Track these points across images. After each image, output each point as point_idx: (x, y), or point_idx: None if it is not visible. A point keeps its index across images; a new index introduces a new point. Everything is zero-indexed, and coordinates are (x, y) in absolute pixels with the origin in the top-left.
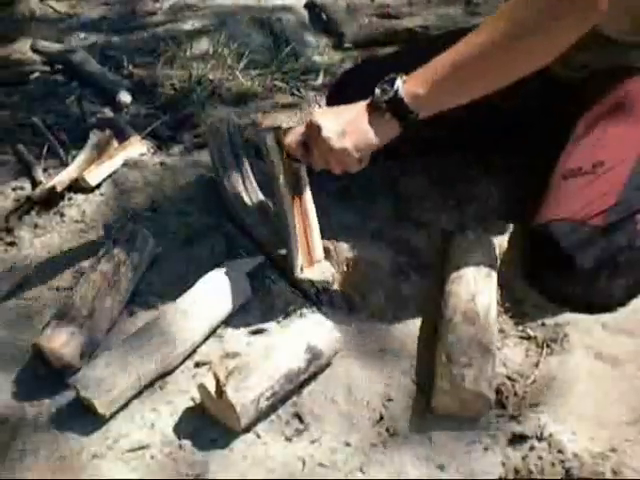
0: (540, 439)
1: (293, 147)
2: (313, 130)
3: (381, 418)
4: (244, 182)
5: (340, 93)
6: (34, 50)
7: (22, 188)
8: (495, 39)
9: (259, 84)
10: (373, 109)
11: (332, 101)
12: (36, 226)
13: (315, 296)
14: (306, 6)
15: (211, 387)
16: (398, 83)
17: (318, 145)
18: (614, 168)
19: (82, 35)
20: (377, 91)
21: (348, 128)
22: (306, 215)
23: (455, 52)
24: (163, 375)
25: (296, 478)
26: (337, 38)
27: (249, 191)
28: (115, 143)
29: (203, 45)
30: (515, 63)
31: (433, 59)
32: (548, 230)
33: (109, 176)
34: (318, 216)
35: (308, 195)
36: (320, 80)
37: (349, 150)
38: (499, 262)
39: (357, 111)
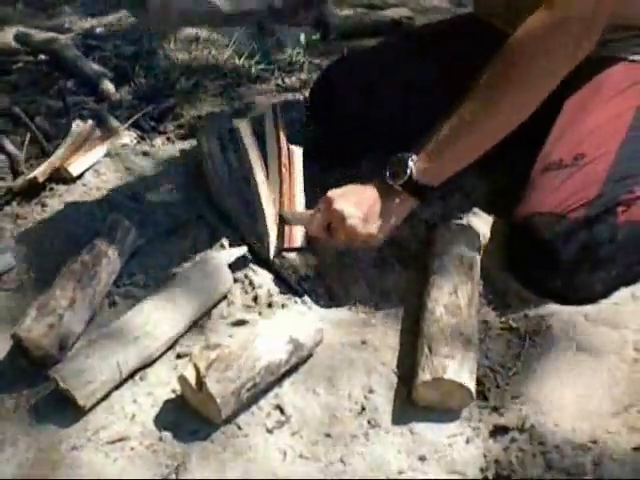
0: (521, 431)
1: (318, 233)
2: (336, 218)
3: (362, 410)
4: (230, 172)
5: (325, 85)
6: (17, 40)
7: (3, 178)
8: (495, 97)
9: (243, 75)
10: (389, 192)
11: (317, 93)
12: (17, 217)
13: (298, 287)
14: None
15: (192, 378)
16: (410, 165)
17: (345, 231)
18: (595, 161)
19: (66, 25)
20: (388, 174)
21: (370, 214)
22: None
23: (458, 119)
24: (144, 366)
25: (276, 469)
26: (322, 29)
27: (233, 180)
28: (98, 133)
29: (187, 36)
30: (519, 110)
31: (437, 130)
32: (530, 223)
33: (91, 166)
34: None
35: (297, 183)
36: (305, 71)
37: (375, 234)
38: (482, 254)
39: (374, 196)
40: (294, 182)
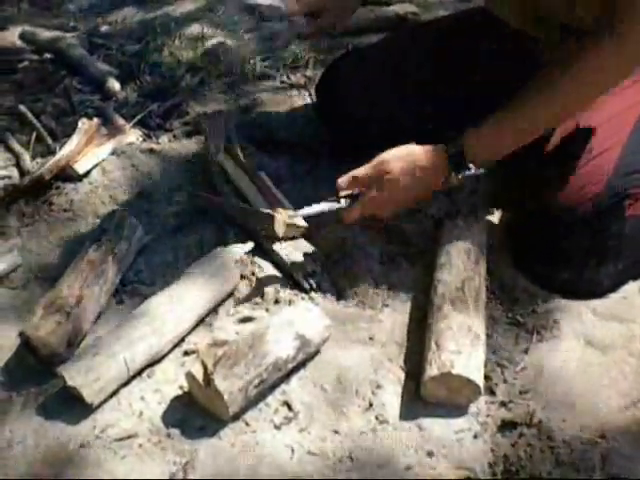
0: (530, 426)
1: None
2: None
3: (370, 405)
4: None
5: (330, 81)
6: (23, 39)
7: (10, 177)
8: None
9: (248, 72)
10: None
11: (321, 89)
12: (24, 215)
13: (304, 283)
14: None
15: (199, 375)
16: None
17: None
18: (603, 153)
19: (71, 24)
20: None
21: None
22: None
23: (511, 107)
24: (151, 364)
25: (284, 466)
26: None
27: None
28: (104, 131)
29: (192, 32)
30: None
31: (491, 116)
32: (537, 217)
33: (97, 164)
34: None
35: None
36: (310, 68)
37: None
38: (489, 249)
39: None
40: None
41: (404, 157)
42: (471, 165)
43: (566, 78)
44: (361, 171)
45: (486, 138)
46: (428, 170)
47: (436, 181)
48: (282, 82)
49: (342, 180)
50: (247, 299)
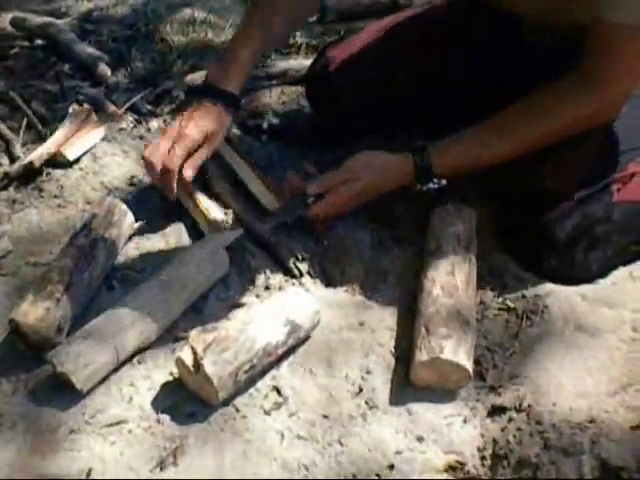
0: (519, 410)
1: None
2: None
3: (360, 391)
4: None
5: (321, 67)
6: (13, 25)
7: (0, 164)
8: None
9: None
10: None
11: (313, 75)
12: (14, 202)
13: (295, 269)
14: None
15: (189, 361)
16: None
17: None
18: (589, 138)
19: (62, 9)
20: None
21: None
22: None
23: (478, 129)
24: (141, 350)
25: (274, 451)
26: (319, 11)
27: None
28: (94, 117)
29: (183, 18)
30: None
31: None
32: (526, 202)
33: (88, 151)
34: None
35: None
36: (302, 54)
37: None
38: (479, 234)
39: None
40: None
41: (372, 165)
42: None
43: (538, 112)
44: (329, 177)
45: (451, 155)
46: (394, 179)
47: (400, 185)
48: (273, 68)
49: (311, 187)
50: (237, 285)
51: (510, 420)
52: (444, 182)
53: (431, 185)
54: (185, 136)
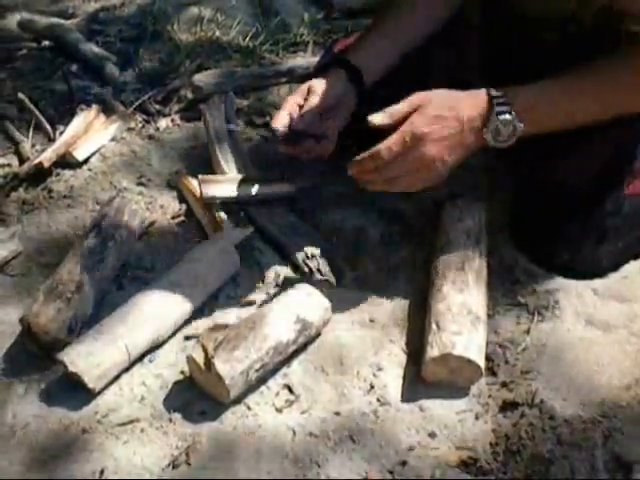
0: (531, 406)
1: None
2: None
3: (371, 387)
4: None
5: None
6: (21, 26)
7: (9, 165)
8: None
9: (248, 56)
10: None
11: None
12: (24, 202)
13: (305, 266)
14: None
15: (200, 359)
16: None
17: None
18: (601, 131)
19: (69, 10)
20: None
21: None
22: None
23: (567, 82)
24: (152, 349)
25: (286, 448)
26: (326, 8)
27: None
28: (103, 118)
29: (191, 17)
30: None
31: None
32: (537, 196)
33: (97, 151)
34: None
35: None
36: (309, 51)
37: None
38: (489, 229)
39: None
40: None
41: (443, 93)
42: (510, 115)
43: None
44: (396, 107)
45: (531, 97)
46: (467, 107)
47: (472, 125)
48: (281, 65)
49: (373, 117)
50: (247, 283)
51: (522, 415)
52: (520, 125)
53: (507, 117)
54: (314, 93)
